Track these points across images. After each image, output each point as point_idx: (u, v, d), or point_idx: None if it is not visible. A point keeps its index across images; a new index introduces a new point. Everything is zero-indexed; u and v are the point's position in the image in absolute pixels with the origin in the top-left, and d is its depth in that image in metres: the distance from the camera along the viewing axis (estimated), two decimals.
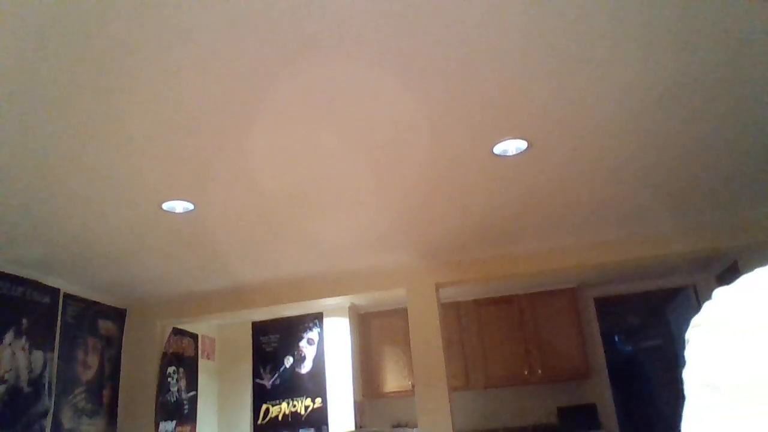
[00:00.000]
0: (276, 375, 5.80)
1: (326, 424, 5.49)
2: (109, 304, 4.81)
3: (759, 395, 0.42)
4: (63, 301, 4.26)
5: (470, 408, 5.98)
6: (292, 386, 5.72)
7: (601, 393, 5.77)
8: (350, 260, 4.43)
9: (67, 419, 4.16)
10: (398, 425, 5.96)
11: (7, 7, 1.67)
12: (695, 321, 0.51)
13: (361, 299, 5.50)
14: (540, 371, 5.64)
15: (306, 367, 5.73)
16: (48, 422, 3.97)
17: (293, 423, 5.60)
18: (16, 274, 3.85)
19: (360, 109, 2.37)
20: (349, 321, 5.78)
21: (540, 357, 5.68)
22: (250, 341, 5.99)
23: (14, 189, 2.80)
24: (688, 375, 0.49)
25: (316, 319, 5.81)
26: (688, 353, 0.50)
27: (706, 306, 0.50)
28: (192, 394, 5.48)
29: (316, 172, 2.91)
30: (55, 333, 4.15)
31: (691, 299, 6.01)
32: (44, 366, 3.99)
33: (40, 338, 3.97)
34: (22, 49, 1.85)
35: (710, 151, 3.02)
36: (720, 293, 0.50)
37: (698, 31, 2.04)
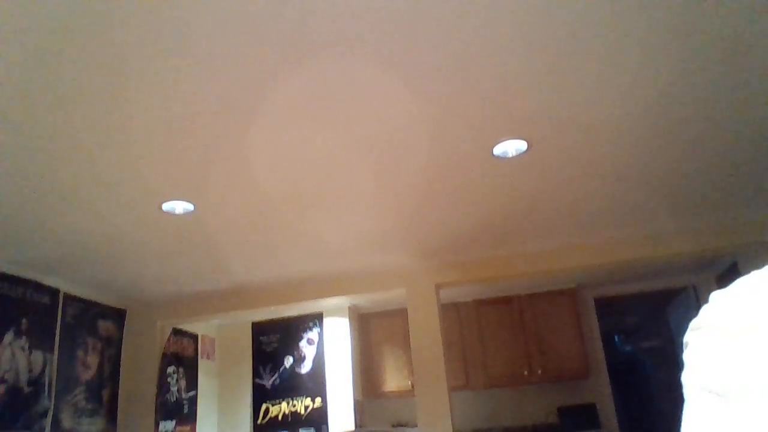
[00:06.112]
0: (276, 375, 5.81)
1: (326, 424, 5.50)
2: (108, 304, 4.81)
3: (758, 398, 0.42)
4: (63, 301, 4.26)
5: (470, 408, 5.99)
6: (291, 386, 5.72)
7: (601, 393, 5.77)
8: (350, 260, 4.43)
9: (66, 419, 4.16)
10: (398, 425, 5.96)
11: (8, 10, 1.67)
12: (693, 324, 0.51)
13: (361, 299, 5.51)
14: (540, 371, 5.64)
15: (306, 367, 5.73)
16: (48, 422, 3.97)
17: (293, 423, 5.61)
18: (16, 275, 3.85)
19: (360, 110, 2.37)
20: (349, 321, 5.78)
21: (540, 357, 5.68)
22: (250, 341, 5.99)
23: (14, 189, 2.80)
24: (687, 378, 0.49)
25: (316, 319, 5.81)
26: (687, 357, 0.51)
27: (704, 309, 0.51)
28: (192, 394, 5.48)
29: (317, 172, 2.91)
30: (55, 333, 4.15)
31: (691, 300, 6.01)
32: (44, 366, 3.99)
33: (39, 338, 3.98)
34: (23, 52, 1.85)
35: (710, 151, 3.02)
36: (717, 296, 0.50)
37: (698, 32, 2.04)
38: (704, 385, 0.47)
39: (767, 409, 0.41)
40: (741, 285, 0.49)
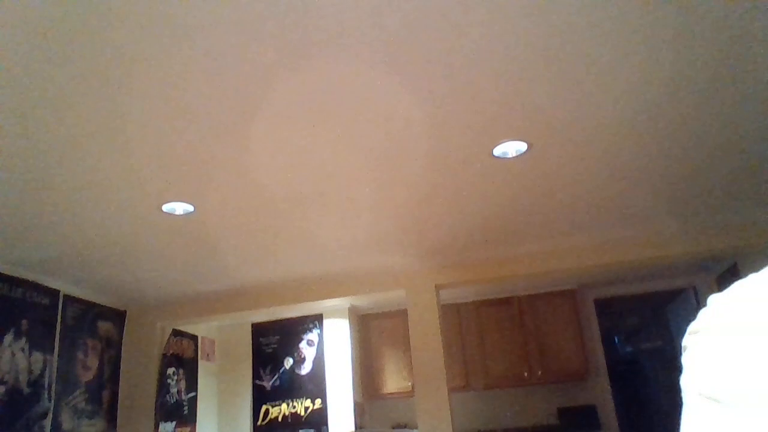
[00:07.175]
0: (276, 376, 5.80)
1: (326, 425, 5.49)
2: (108, 305, 4.81)
3: (757, 403, 0.42)
4: (63, 302, 4.26)
5: (470, 409, 5.98)
6: (291, 387, 5.72)
7: (601, 394, 5.77)
8: (350, 261, 4.43)
9: (66, 420, 4.16)
10: (398, 426, 5.95)
11: (8, 9, 1.67)
12: (691, 328, 0.51)
13: (361, 300, 5.50)
14: (540, 372, 5.64)
15: (306, 369, 5.73)
16: (48, 423, 3.97)
17: (293, 424, 5.60)
18: (16, 276, 3.85)
19: (360, 111, 2.37)
20: (349, 322, 5.78)
21: (540, 358, 5.68)
22: (250, 342, 5.99)
23: (15, 190, 2.80)
24: (685, 383, 0.49)
25: (316, 320, 5.81)
26: (686, 360, 0.50)
27: (702, 313, 0.50)
28: (192, 395, 5.47)
29: (316, 172, 2.91)
30: (55, 334, 4.15)
31: (691, 300, 6.01)
32: (44, 367, 3.99)
33: (39, 339, 3.97)
34: (23, 52, 1.85)
35: (710, 152, 3.02)
36: (714, 299, 0.50)
37: (698, 32, 2.04)
38: (702, 390, 0.46)
39: (765, 415, 0.41)
40: (739, 288, 0.49)
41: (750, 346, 0.44)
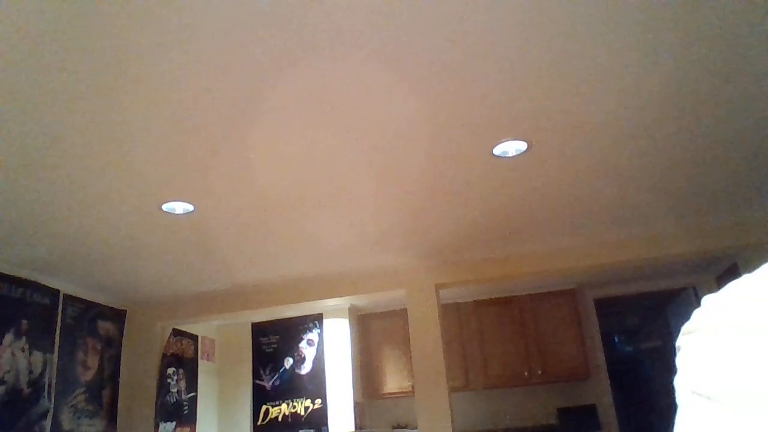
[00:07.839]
0: (276, 376, 5.80)
1: (326, 425, 5.49)
2: (108, 305, 4.81)
3: (751, 401, 0.42)
4: (63, 302, 4.26)
5: (470, 409, 5.98)
6: (291, 387, 5.72)
7: (601, 394, 5.77)
8: (350, 261, 4.43)
9: (66, 420, 4.16)
10: (398, 426, 5.95)
11: (7, 8, 1.67)
12: (685, 329, 0.51)
13: (361, 300, 5.51)
14: (540, 372, 5.64)
15: (306, 368, 5.73)
16: (48, 423, 3.97)
17: (293, 424, 5.60)
18: (16, 275, 3.85)
19: (360, 110, 2.37)
20: (349, 322, 5.78)
21: (540, 358, 5.68)
22: (250, 342, 5.99)
23: (14, 190, 2.80)
24: (678, 383, 0.49)
25: (316, 320, 5.81)
26: (679, 361, 0.50)
27: (695, 313, 0.50)
28: (192, 395, 5.47)
29: (316, 172, 2.91)
30: (55, 334, 4.15)
31: (691, 300, 6.01)
32: (44, 367, 3.99)
33: (39, 339, 3.97)
34: (23, 51, 1.85)
35: (710, 152, 3.02)
36: (708, 300, 0.50)
37: (698, 33, 2.04)
38: (695, 389, 0.46)
39: (759, 413, 0.41)
40: (732, 288, 0.49)
41: (744, 345, 0.44)
